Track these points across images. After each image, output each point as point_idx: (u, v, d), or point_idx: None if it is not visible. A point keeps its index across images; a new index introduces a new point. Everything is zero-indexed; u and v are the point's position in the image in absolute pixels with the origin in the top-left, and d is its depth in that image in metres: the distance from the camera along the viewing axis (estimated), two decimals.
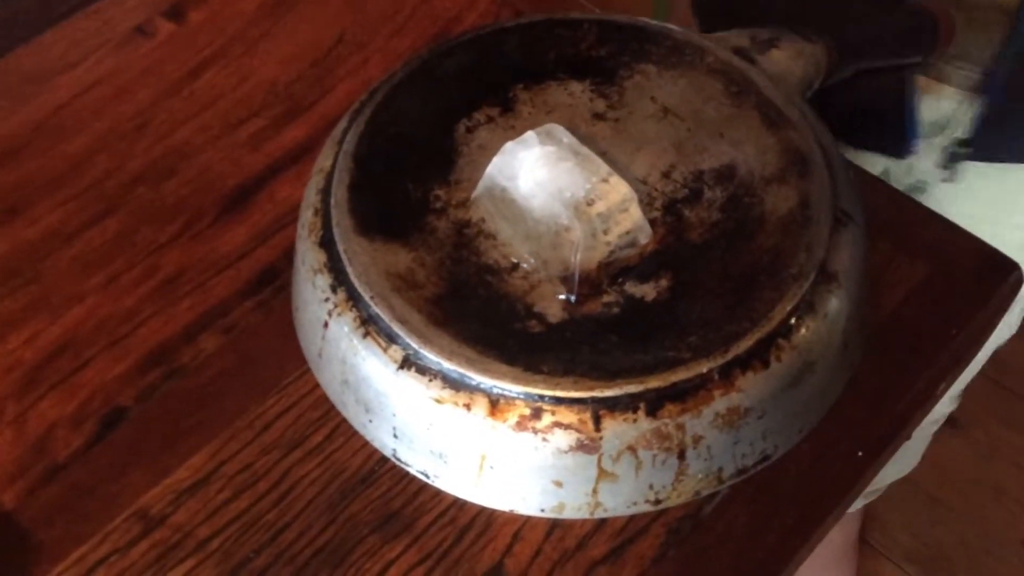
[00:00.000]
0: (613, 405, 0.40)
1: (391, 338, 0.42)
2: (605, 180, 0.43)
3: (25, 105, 0.58)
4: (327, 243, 0.44)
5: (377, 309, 0.42)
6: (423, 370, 0.41)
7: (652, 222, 0.44)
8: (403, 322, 0.41)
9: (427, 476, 0.43)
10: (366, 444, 0.45)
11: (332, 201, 0.45)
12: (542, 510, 0.43)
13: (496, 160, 0.44)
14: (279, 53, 0.60)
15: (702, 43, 0.50)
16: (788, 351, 0.41)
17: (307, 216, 0.46)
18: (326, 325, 0.44)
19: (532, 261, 0.43)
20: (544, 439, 0.40)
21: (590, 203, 0.42)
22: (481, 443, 0.41)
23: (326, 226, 0.45)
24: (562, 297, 0.43)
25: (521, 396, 0.40)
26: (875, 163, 0.79)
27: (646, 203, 0.45)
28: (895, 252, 0.50)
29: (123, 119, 0.58)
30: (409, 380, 0.41)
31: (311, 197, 0.47)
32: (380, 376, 0.42)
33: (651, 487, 0.42)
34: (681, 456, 0.41)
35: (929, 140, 0.74)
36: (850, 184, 0.47)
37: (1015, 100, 0.67)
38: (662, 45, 0.50)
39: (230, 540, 0.44)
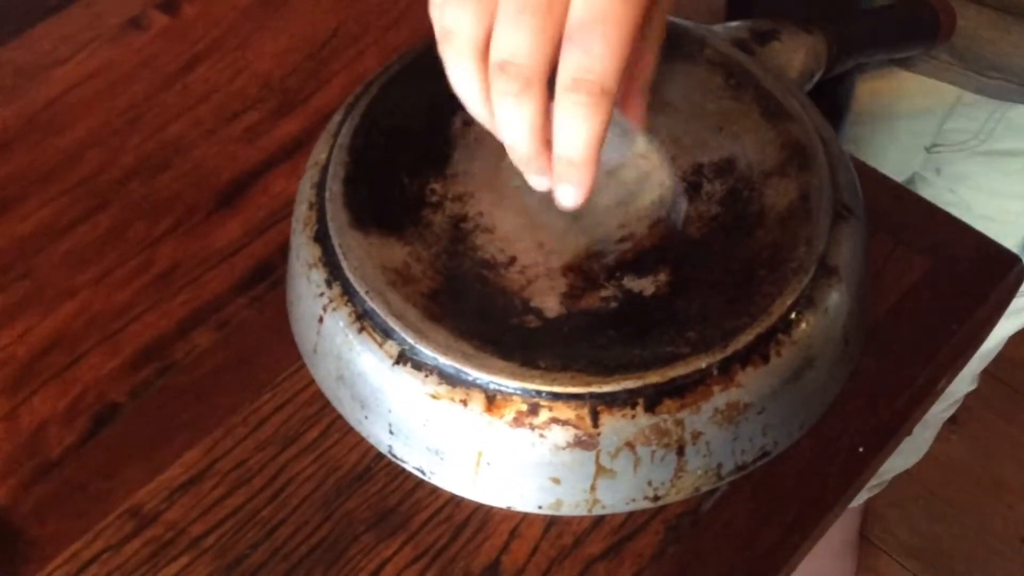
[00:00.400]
0: (611, 401, 0.39)
1: (387, 333, 0.41)
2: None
3: (17, 99, 0.58)
4: (322, 237, 0.44)
5: (372, 304, 0.41)
6: (419, 366, 0.41)
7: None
8: (399, 317, 0.41)
9: (423, 473, 0.43)
10: (362, 440, 0.44)
11: (327, 195, 0.44)
12: (539, 507, 0.42)
13: None
14: (273, 46, 0.60)
15: (701, 35, 0.49)
16: (788, 346, 0.41)
17: (302, 210, 0.46)
18: (321, 320, 0.43)
19: (535, 254, 0.43)
20: (541, 435, 0.40)
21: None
22: (478, 439, 0.41)
23: (321, 220, 0.44)
24: (562, 292, 0.42)
25: (518, 392, 0.40)
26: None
27: None
28: (896, 246, 0.50)
29: (116, 113, 0.57)
30: (405, 376, 0.41)
31: (305, 191, 0.46)
32: (376, 372, 0.42)
33: (650, 484, 0.41)
34: (680, 452, 0.41)
35: (963, 145, 0.74)
36: (851, 177, 0.46)
37: None
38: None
39: (224, 537, 0.43)
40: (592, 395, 0.39)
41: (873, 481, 1.10)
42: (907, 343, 0.47)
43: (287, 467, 0.45)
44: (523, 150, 0.36)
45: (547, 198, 0.44)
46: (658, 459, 0.40)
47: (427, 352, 0.40)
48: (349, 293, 0.42)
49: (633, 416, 0.39)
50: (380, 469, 0.44)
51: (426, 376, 0.40)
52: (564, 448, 0.40)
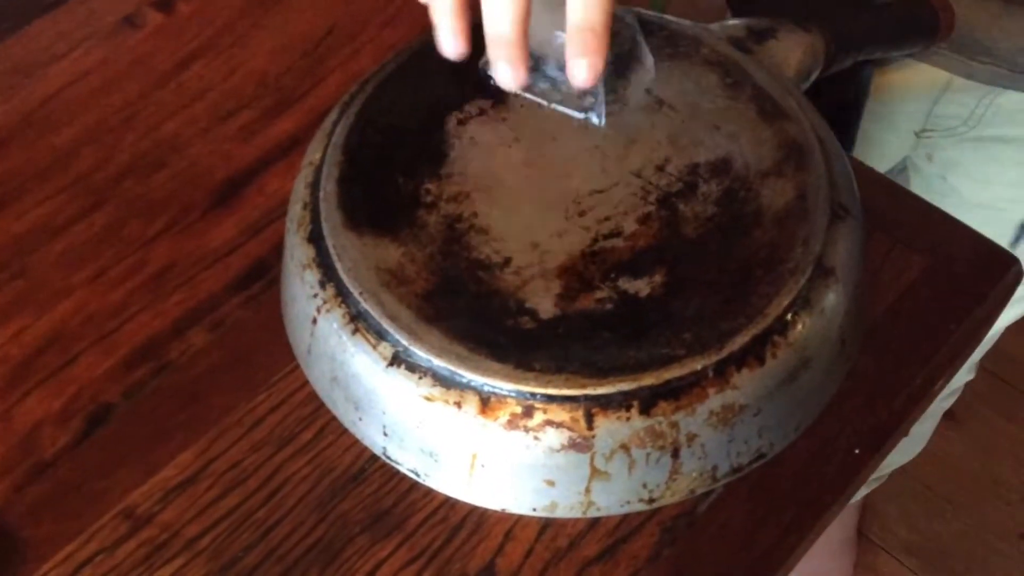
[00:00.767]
0: (606, 403, 0.39)
1: (380, 335, 0.41)
2: None
3: (12, 96, 0.58)
4: (316, 238, 0.44)
5: (366, 305, 0.41)
6: (413, 367, 0.40)
7: (647, 216, 0.44)
8: (393, 318, 0.41)
9: (418, 475, 0.43)
10: (356, 442, 0.44)
11: (321, 195, 0.44)
12: (534, 509, 0.42)
13: None
14: (269, 44, 0.60)
15: (698, 34, 0.49)
16: (784, 347, 0.41)
17: (296, 210, 0.46)
18: (315, 321, 0.43)
19: (530, 255, 0.43)
20: (536, 438, 0.40)
21: None
22: (472, 441, 0.41)
23: (315, 220, 0.44)
24: (556, 293, 0.42)
25: (512, 394, 0.39)
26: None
27: (640, 197, 0.44)
28: (893, 245, 0.50)
29: (111, 111, 0.57)
30: (399, 377, 0.41)
31: (300, 191, 0.46)
32: (370, 373, 0.41)
33: (645, 486, 0.41)
34: (675, 455, 0.40)
35: (953, 131, 0.74)
36: (848, 177, 0.46)
37: None
38: (658, 36, 0.49)
39: (219, 538, 0.43)
40: (587, 397, 0.39)
41: (873, 476, 1.09)
42: (905, 343, 0.47)
43: (282, 468, 0.45)
44: (509, 35, 0.38)
45: (543, 200, 0.44)
46: (653, 461, 0.40)
47: (421, 354, 0.40)
48: (343, 294, 0.42)
49: (628, 418, 0.39)
50: (375, 471, 0.44)
51: (420, 378, 0.40)
52: (558, 450, 0.40)
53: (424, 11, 0.40)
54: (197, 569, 0.42)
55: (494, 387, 0.39)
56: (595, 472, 0.40)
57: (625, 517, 0.43)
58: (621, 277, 0.42)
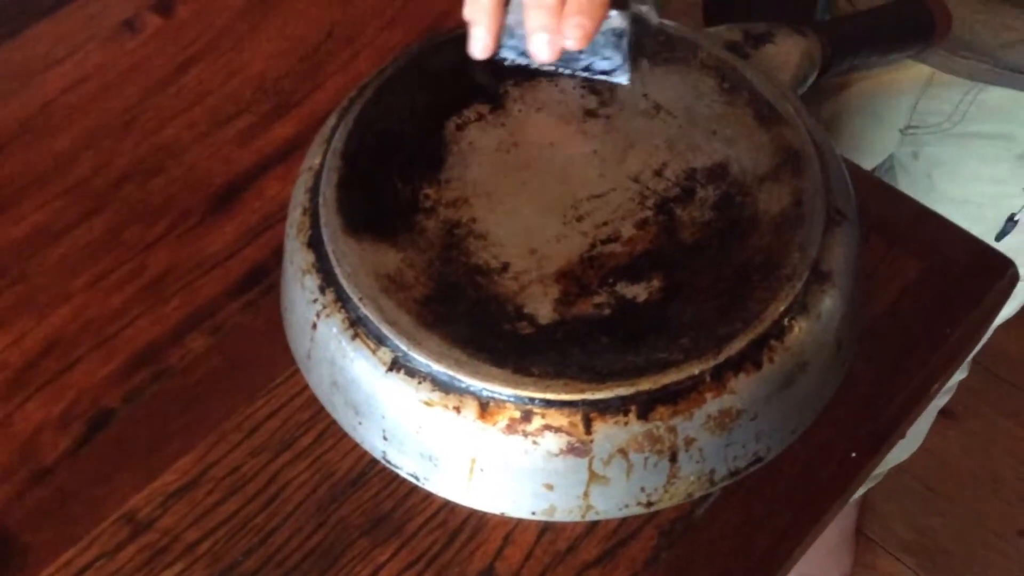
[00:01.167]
0: (604, 408, 0.39)
1: (380, 340, 0.41)
2: None
3: (11, 101, 0.58)
4: (315, 243, 0.44)
5: (366, 310, 0.41)
6: (412, 372, 0.41)
7: (644, 221, 0.44)
8: (392, 324, 0.41)
9: (417, 479, 0.43)
10: (356, 446, 0.44)
11: (320, 200, 0.44)
12: (533, 513, 0.42)
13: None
14: (268, 48, 0.60)
15: (695, 39, 0.49)
16: (781, 352, 0.41)
17: (295, 215, 0.46)
18: (315, 326, 0.43)
19: (528, 260, 0.43)
20: (534, 442, 0.40)
21: None
22: (471, 446, 0.41)
23: (314, 226, 0.44)
24: (555, 298, 0.42)
25: (511, 399, 0.40)
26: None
27: (638, 202, 0.44)
28: (889, 250, 0.50)
29: (110, 116, 0.57)
30: (398, 382, 0.41)
31: (299, 196, 0.46)
32: (369, 378, 0.42)
33: (643, 490, 0.41)
34: (673, 459, 0.41)
35: (937, 127, 0.74)
36: (844, 181, 0.46)
37: None
38: (655, 40, 0.49)
39: (219, 543, 0.43)
40: (585, 402, 0.39)
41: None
42: (901, 346, 0.47)
43: (281, 473, 0.45)
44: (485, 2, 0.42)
45: (542, 205, 0.44)
46: (651, 465, 0.40)
47: (420, 359, 0.40)
48: (342, 299, 0.42)
49: (626, 423, 0.39)
50: (374, 475, 0.45)
51: (419, 383, 0.40)
52: (557, 455, 0.40)
53: (423, 15, 0.40)
54: (197, 574, 0.43)
55: (493, 392, 0.40)
56: (593, 476, 0.41)
57: (623, 521, 0.43)
58: (619, 282, 0.42)
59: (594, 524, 0.43)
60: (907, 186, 0.78)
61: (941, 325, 0.48)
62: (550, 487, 0.41)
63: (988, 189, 0.73)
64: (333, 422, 0.45)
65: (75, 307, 0.50)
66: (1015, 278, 0.49)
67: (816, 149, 0.45)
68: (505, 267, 0.43)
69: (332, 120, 0.48)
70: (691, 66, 0.48)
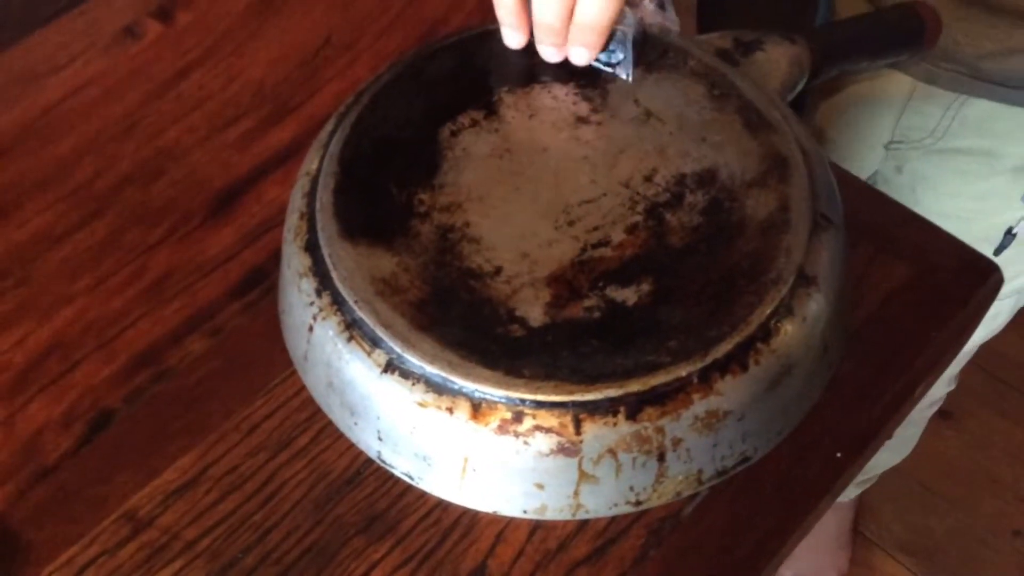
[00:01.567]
0: (593, 409, 0.40)
1: (375, 342, 0.42)
2: None
3: (14, 106, 0.58)
4: (312, 247, 0.45)
5: (361, 313, 0.42)
6: (406, 374, 0.41)
7: (634, 226, 0.45)
8: (387, 326, 0.42)
9: (411, 478, 0.44)
10: (352, 446, 0.45)
11: (317, 205, 0.45)
12: (524, 511, 0.43)
13: None
14: (266, 54, 0.61)
15: (686, 46, 0.50)
16: (767, 354, 0.42)
17: (293, 220, 0.47)
18: (311, 329, 0.44)
19: (520, 264, 0.44)
20: (525, 442, 0.41)
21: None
22: (464, 446, 0.42)
23: (311, 230, 0.45)
24: (546, 302, 0.43)
25: (503, 400, 0.40)
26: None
27: (628, 207, 0.45)
28: (876, 253, 0.51)
29: (112, 120, 0.58)
30: (393, 384, 0.42)
31: (297, 201, 0.47)
32: (364, 380, 0.42)
33: (631, 489, 0.42)
34: (661, 459, 0.41)
35: (919, 143, 0.75)
36: (830, 186, 0.47)
37: None
38: (647, 48, 0.50)
39: (218, 541, 0.44)
40: (575, 403, 0.40)
41: (861, 477, 1.11)
42: (887, 349, 0.48)
43: (279, 472, 0.46)
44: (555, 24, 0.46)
45: (534, 210, 0.45)
46: (639, 465, 0.41)
47: (414, 361, 0.41)
48: (338, 302, 0.43)
49: (615, 424, 0.40)
50: (369, 474, 0.45)
51: (413, 384, 0.41)
52: (548, 455, 0.41)
53: (419, 22, 0.41)
54: (196, 571, 0.43)
55: (485, 393, 0.40)
56: (583, 476, 0.41)
57: (613, 519, 0.44)
58: (609, 286, 0.43)
59: (584, 523, 0.44)
60: None
61: (926, 328, 0.48)
62: (541, 486, 0.42)
63: (971, 205, 0.74)
64: (329, 422, 0.46)
65: (77, 309, 0.51)
66: (999, 282, 0.50)
67: (803, 155, 0.46)
68: (498, 271, 0.44)
69: (329, 126, 0.49)
70: (682, 73, 0.49)
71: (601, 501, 0.42)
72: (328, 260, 0.44)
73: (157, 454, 0.46)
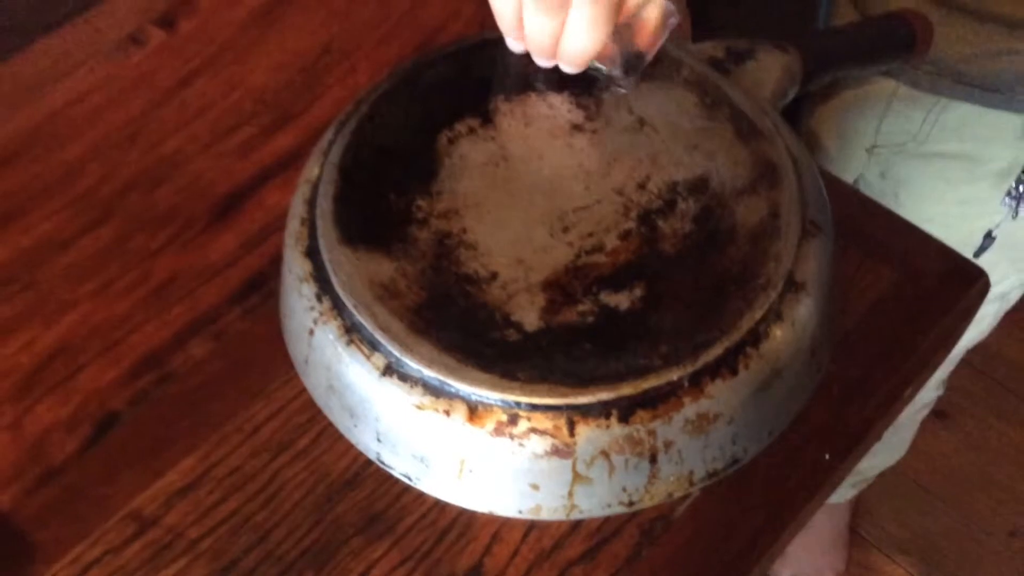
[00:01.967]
0: (586, 412, 0.41)
1: (374, 346, 0.43)
2: None
3: (19, 113, 0.59)
4: (313, 253, 0.46)
5: (360, 318, 0.43)
6: (405, 377, 0.42)
7: (627, 232, 0.46)
8: (385, 331, 0.43)
9: (409, 479, 0.45)
10: (351, 448, 0.46)
11: (318, 211, 0.46)
12: (520, 512, 0.44)
13: None
14: (268, 62, 0.61)
15: (678, 55, 0.51)
16: (756, 359, 0.43)
17: (294, 226, 0.48)
18: (312, 333, 0.45)
19: (515, 270, 0.45)
20: (520, 444, 0.42)
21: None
22: (461, 447, 0.43)
23: (312, 236, 0.46)
24: (541, 307, 0.44)
25: (498, 403, 0.41)
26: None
27: (622, 214, 0.46)
28: (864, 259, 0.52)
29: (116, 127, 0.59)
30: (391, 387, 0.43)
31: (298, 207, 0.48)
32: (363, 383, 0.43)
33: (624, 490, 0.43)
34: (653, 460, 0.42)
35: (902, 147, 0.75)
36: (820, 194, 0.48)
37: None
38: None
39: (220, 540, 0.45)
40: (568, 406, 0.41)
41: (857, 478, 1.11)
42: (874, 352, 0.49)
43: (280, 473, 0.47)
44: (543, 44, 0.47)
45: (529, 217, 0.46)
46: (632, 467, 0.42)
47: (412, 364, 0.42)
48: (338, 307, 0.44)
49: (607, 426, 0.41)
50: (368, 475, 0.46)
51: (411, 387, 0.42)
52: (542, 456, 0.42)
53: (417, 30, 0.42)
54: (199, 570, 0.44)
55: (481, 396, 0.41)
56: (577, 477, 0.42)
57: (606, 519, 0.45)
58: (602, 291, 0.44)
59: (578, 523, 0.45)
60: None
61: (913, 332, 0.49)
62: (536, 487, 0.43)
63: (953, 210, 0.75)
64: (330, 424, 0.47)
65: (82, 314, 0.52)
66: (986, 287, 0.51)
67: (793, 163, 0.47)
68: (494, 276, 0.45)
69: (329, 134, 0.50)
70: (674, 82, 0.50)
71: (595, 502, 0.43)
72: (328, 265, 0.44)
73: (161, 455, 0.47)
